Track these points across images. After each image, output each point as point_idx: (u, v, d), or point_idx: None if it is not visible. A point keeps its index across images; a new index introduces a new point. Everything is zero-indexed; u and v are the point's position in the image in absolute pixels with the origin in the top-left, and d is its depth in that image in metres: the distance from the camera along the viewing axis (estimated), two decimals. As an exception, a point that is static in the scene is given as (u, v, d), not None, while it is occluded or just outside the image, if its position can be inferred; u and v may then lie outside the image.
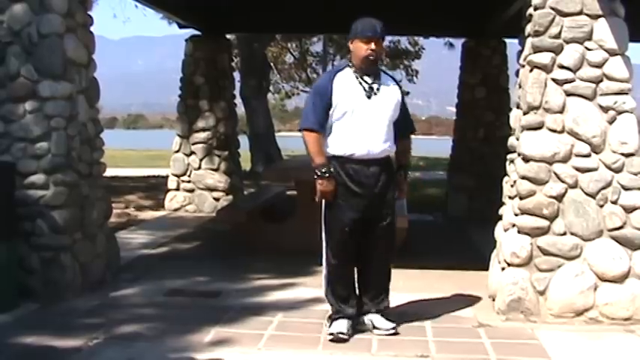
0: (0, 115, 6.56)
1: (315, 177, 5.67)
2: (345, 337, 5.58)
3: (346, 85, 5.66)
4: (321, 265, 5.92)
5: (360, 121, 5.62)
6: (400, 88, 5.94)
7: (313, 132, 5.70)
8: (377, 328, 5.76)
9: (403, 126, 5.91)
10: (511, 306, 6.11)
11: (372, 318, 5.83)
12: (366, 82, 5.67)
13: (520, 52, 6.63)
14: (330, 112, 5.66)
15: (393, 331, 5.71)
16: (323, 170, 5.63)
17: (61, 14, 6.62)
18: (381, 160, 5.70)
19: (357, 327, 5.80)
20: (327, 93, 5.66)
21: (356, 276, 5.94)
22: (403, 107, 5.89)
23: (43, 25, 6.53)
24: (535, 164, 6.13)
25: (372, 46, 5.59)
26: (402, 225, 8.79)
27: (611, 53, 6.15)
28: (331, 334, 5.61)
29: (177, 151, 13.09)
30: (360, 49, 5.63)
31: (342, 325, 5.66)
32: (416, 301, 6.78)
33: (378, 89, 5.67)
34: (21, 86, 6.54)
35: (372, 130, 5.63)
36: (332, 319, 5.80)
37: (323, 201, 5.75)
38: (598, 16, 6.14)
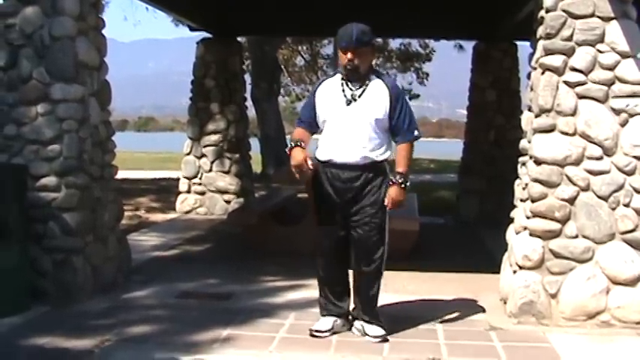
0: (12, 117, 6.59)
1: (287, 150, 5.68)
2: (323, 335, 5.73)
3: (329, 93, 5.73)
4: None
5: (337, 128, 5.65)
6: (395, 92, 5.73)
7: (299, 127, 5.85)
8: (367, 335, 5.75)
9: (396, 132, 5.71)
10: (523, 309, 6.10)
11: (363, 325, 5.82)
12: (350, 89, 5.67)
13: (531, 55, 6.62)
14: (317, 119, 5.78)
15: (379, 340, 5.67)
16: (292, 143, 5.66)
17: (73, 17, 6.63)
18: (361, 167, 5.65)
19: (350, 331, 5.90)
20: (312, 101, 5.83)
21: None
22: (396, 113, 5.65)
23: (55, 27, 6.55)
24: (547, 167, 6.12)
25: (349, 55, 5.56)
26: (413, 228, 8.83)
27: (623, 55, 6.13)
28: (310, 329, 5.78)
29: (188, 154, 13.12)
30: (341, 57, 5.68)
31: (324, 323, 5.83)
32: (427, 304, 6.78)
33: (360, 95, 5.64)
34: (33, 89, 6.56)
35: (350, 136, 5.60)
36: (321, 315, 5.96)
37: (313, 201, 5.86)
38: (610, 19, 6.13)
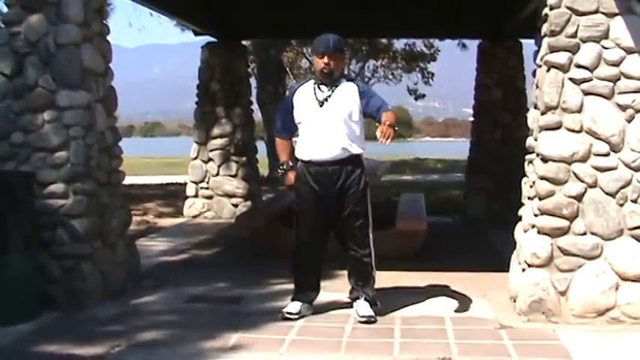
0: (19, 125, 6.61)
1: (279, 172, 6.46)
2: (293, 317, 6.22)
3: (303, 97, 6.30)
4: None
5: (314, 128, 6.21)
6: (362, 87, 6.42)
7: (278, 137, 6.60)
8: (357, 313, 6.25)
9: (375, 111, 6.19)
10: (532, 307, 6.09)
11: (358, 304, 6.31)
12: (322, 91, 6.23)
13: (536, 52, 6.61)
14: (296, 122, 6.35)
15: (364, 319, 6.16)
16: (281, 166, 6.49)
17: (78, 24, 6.65)
18: (339, 161, 6.17)
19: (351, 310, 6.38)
20: (289, 106, 6.41)
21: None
22: (370, 101, 6.22)
23: (59, 35, 6.57)
24: (554, 164, 6.11)
25: (325, 60, 6.16)
26: (421, 228, 8.83)
27: (628, 51, 6.12)
28: (280, 312, 6.32)
29: (194, 158, 13.14)
30: (317, 62, 6.28)
31: (293, 307, 6.34)
32: (436, 303, 6.77)
33: (329, 97, 6.20)
34: (39, 96, 6.59)
35: (327, 135, 6.15)
36: (291, 300, 6.47)
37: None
38: (614, 15, 6.12)
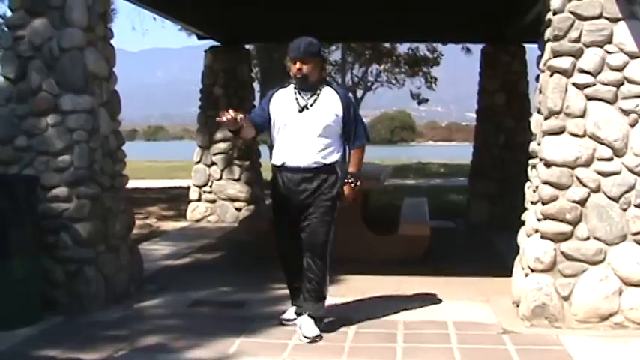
0: (23, 129, 6.62)
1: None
2: (289, 323, 6.19)
3: (282, 101, 6.15)
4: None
5: (291, 133, 6.04)
6: (346, 100, 6.14)
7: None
8: (302, 334, 5.89)
9: (350, 138, 6.14)
10: (535, 312, 6.09)
11: (301, 322, 6.00)
12: (302, 97, 6.07)
13: (540, 57, 6.61)
14: (271, 125, 6.17)
15: (309, 340, 5.82)
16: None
17: (82, 28, 6.66)
18: (313, 170, 6.00)
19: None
20: (266, 106, 6.24)
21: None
22: (349, 120, 6.08)
23: (63, 39, 6.58)
24: (557, 169, 6.11)
25: (297, 65, 5.99)
26: (424, 233, 8.83)
27: (632, 56, 6.11)
28: (278, 317, 6.32)
29: (198, 162, 13.14)
30: (291, 68, 6.10)
31: (290, 313, 6.30)
32: (439, 307, 6.78)
33: (312, 104, 6.03)
34: (43, 100, 6.60)
35: (302, 142, 5.99)
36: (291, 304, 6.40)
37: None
38: (617, 20, 6.12)
